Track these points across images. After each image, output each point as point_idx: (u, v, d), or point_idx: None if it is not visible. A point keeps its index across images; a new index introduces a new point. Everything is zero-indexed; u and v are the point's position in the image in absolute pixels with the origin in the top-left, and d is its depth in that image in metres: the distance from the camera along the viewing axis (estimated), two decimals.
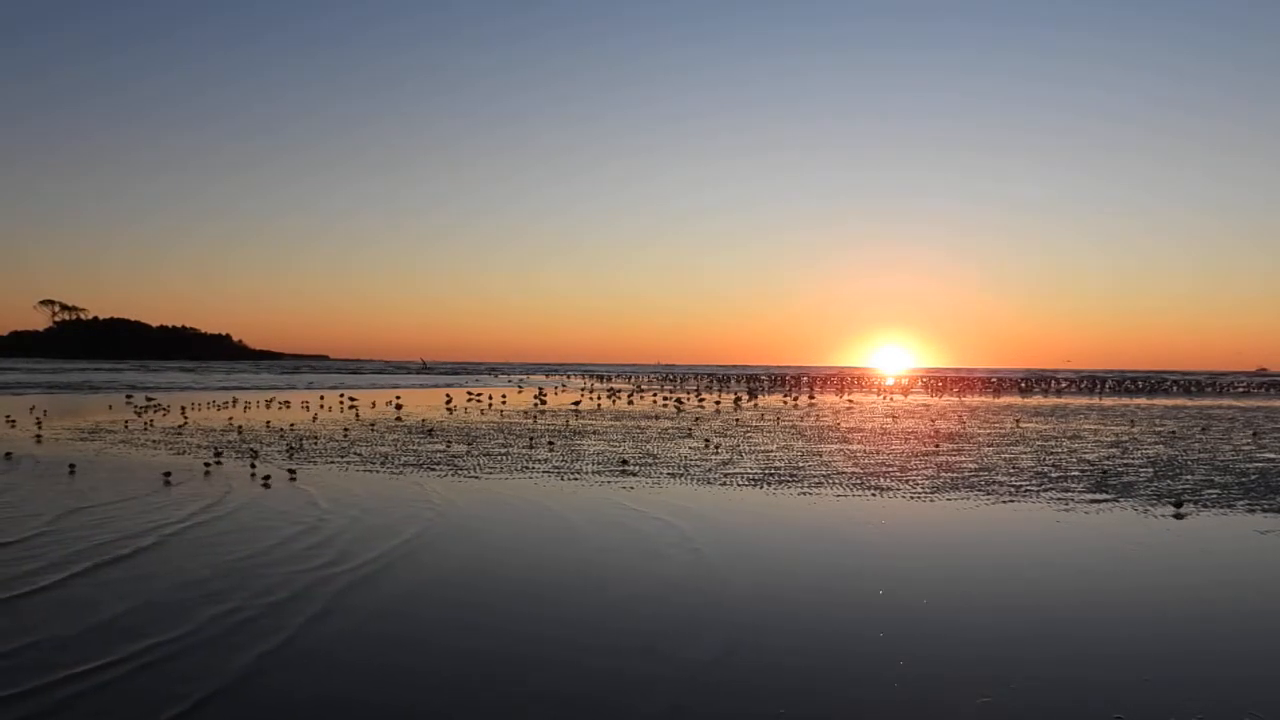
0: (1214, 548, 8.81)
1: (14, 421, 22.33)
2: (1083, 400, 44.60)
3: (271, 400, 34.47)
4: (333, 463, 14.59)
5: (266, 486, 11.91)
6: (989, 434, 21.69)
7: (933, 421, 26.28)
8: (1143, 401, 43.80)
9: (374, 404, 32.84)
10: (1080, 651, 5.48)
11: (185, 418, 24.62)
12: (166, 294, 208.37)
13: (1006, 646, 5.58)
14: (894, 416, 28.53)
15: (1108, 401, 43.28)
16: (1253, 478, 13.87)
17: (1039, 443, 19.40)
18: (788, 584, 7.12)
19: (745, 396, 41.97)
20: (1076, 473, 14.16)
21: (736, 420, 25.97)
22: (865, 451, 17.17)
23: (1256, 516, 10.44)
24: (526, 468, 14.18)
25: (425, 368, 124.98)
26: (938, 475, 13.65)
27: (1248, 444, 19.93)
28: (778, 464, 14.91)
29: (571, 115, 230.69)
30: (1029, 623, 6.11)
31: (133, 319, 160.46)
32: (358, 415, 26.46)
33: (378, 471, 13.57)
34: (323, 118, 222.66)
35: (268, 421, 23.51)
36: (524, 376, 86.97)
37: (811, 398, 41.05)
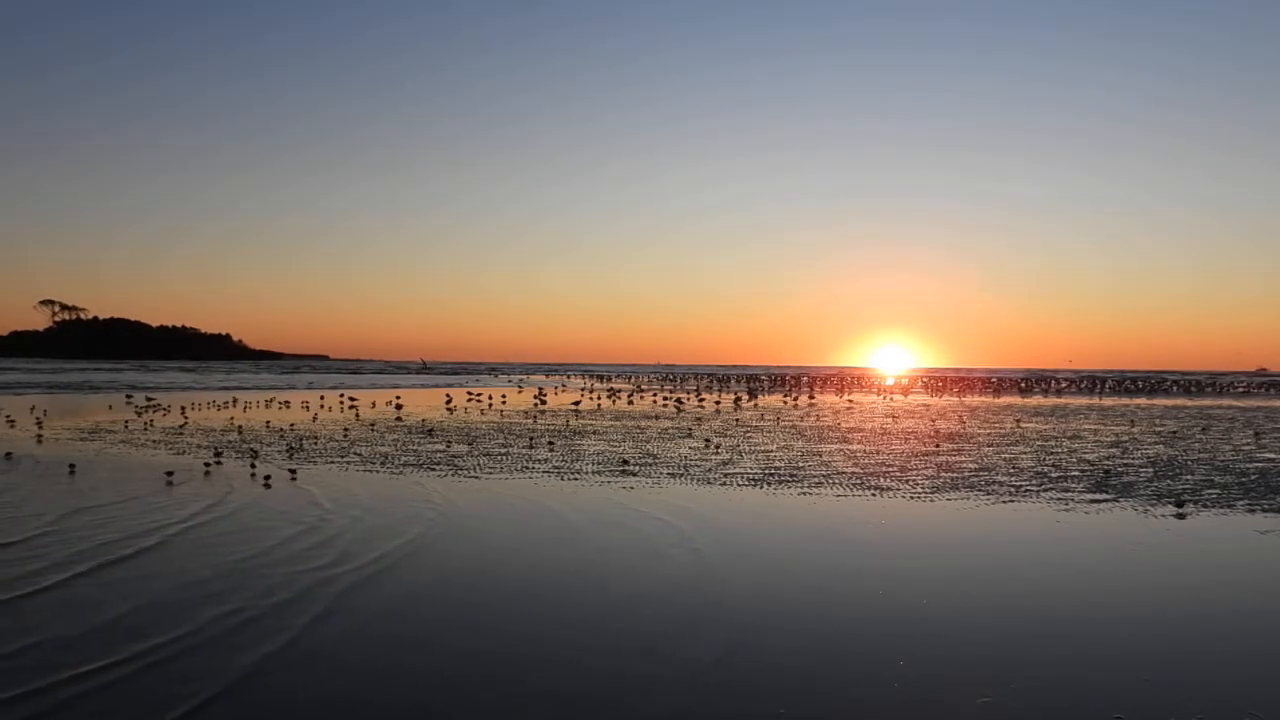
0: (1214, 548, 8.82)
1: (14, 421, 22.35)
2: (1083, 400, 44.62)
3: (271, 400, 34.49)
4: (333, 463, 14.61)
5: (267, 486, 11.93)
6: (989, 434, 21.71)
7: (933, 421, 26.30)
8: (1143, 401, 43.82)
9: (374, 404, 32.86)
10: (1080, 651, 5.50)
11: (185, 418, 24.63)
12: (166, 294, 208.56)
13: (1006, 646, 5.59)
14: (894, 416, 28.55)
15: (1108, 401, 43.29)
16: (1253, 478, 13.88)
17: (1039, 443, 19.42)
18: (788, 584, 7.14)
19: (745, 396, 41.99)
20: (1076, 473, 14.18)
21: (736, 420, 25.99)
22: (865, 451, 17.18)
23: (1257, 516, 10.46)
24: (527, 468, 14.20)
25: (425, 368, 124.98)
26: (938, 475, 13.66)
27: (1248, 444, 19.94)
28: (778, 464, 14.92)
29: (571, 115, 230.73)
30: (1029, 623, 6.13)
31: (133, 319, 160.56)
32: (358, 415, 26.47)
33: (378, 472, 13.58)
34: (323, 118, 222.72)
35: (268, 421, 23.53)
36: (524, 376, 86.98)
37: (811, 398, 41.07)
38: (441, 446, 17.30)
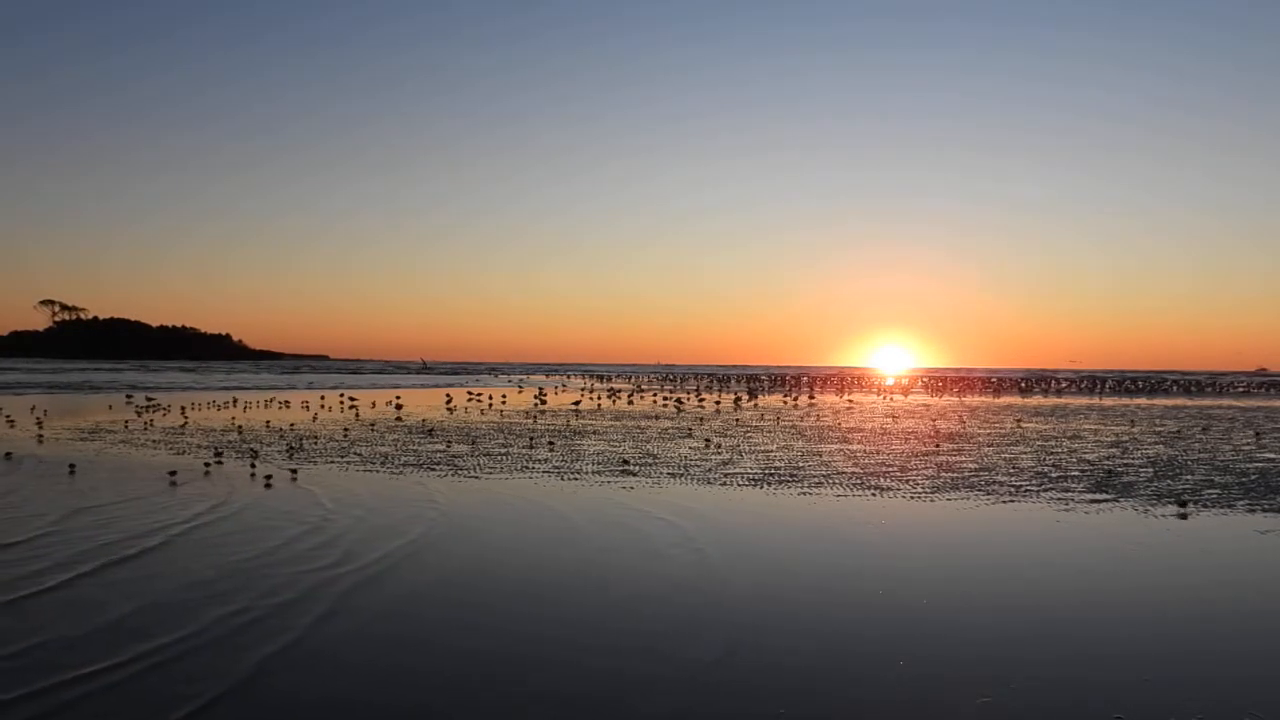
0: (1214, 548, 8.84)
1: (14, 421, 22.36)
2: (1083, 400, 44.64)
3: (271, 400, 34.50)
4: (333, 463, 14.63)
5: (268, 486, 11.95)
6: (989, 434, 21.72)
7: (933, 421, 26.31)
8: (1143, 401, 43.83)
9: (374, 404, 32.87)
10: (1080, 651, 5.51)
11: (185, 418, 24.65)
12: (166, 294, 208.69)
13: (1006, 646, 5.61)
14: (894, 416, 28.56)
15: (1108, 401, 43.31)
16: (1253, 478, 13.90)
17: (1039, 443, 19.43)
18: (788, 584, 7.15)
19: (745, 396, 42.00)
20: (1077, 473, 14.20)
21: (736, 420, 26.01)
22: (865, 451, 17.20)
23: (1257, 516, 10.47)
24: (527, 468, 14.22)
25: (425, 368, 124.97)
26: (938, 475, 13.68)
27: (1248, 444, 19.96)
28: (778, 464, 14.94)
29: (571, 115, 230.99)
30: (1029, 623, 6.15)
31: (133, 319, 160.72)
32: (358, 415, 26.49)
33: (378, 472, 13.60)
34: (323, 118, 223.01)
35: (268, 421, 23.54)
36: (524, 376, 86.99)
37: (811, 398, 41.08)
38: (442, 446, 17.31)
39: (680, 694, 4.79)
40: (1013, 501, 11.35)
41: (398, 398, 35.78)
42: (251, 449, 16.49)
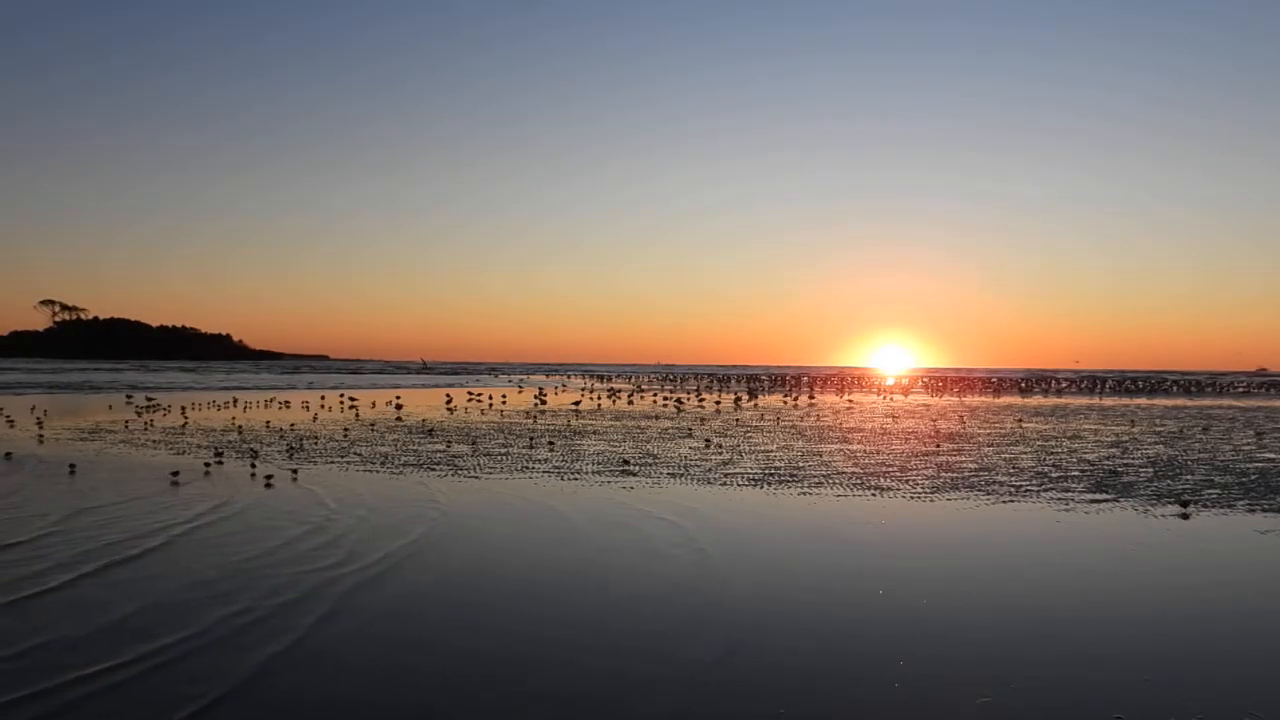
0: (1214, 548, 8.85)
1: (14, 422, 22.38)
2: (1083, 400, 44.65)
3: (271, 400, 34.52)
4: (333, 463, 14.64)
5: (269, 487, 11.96)
6: (989, 434, 21.74)
7: (933, 421, 26.32)
8: (1143, 401, 43.85)
9: (374, 404, 32.89)
10: (1080, 651, 5.53)
11: (185, 418, 24.66)
12: (166, 294, 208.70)
13: (1006, 646, 5.62)
14: (894, 416, 28.57)
15: (1108, 401, 43.32)
16: (1253, 478, 13.92)
17: (1039, 443, 19.45)
18: (788, 584, 7.17)
19: (745, 396, 42.02)
20: (1077, 473, 14.21)
21: (736, 420, 26.02)
22: (865, 451, 17.21)
23: (1257, 516, 10.49)
24: (527, 468, 14.23)
25: (425, 368, 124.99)
26: (938, 475, 13.70)
27: (1248, 444, 19.98)
28: (778, 464, 14.95)
29: (571, 115, 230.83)
30: (1029, 623, 6.16)
31: (133, 319, 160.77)
32: (358, 415, 26.50)
33: (379, 472, 13.62)
34: (323, 118, 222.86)
35: (268, 421, 23.55)
36: (524, 376, 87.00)
37: (811, 398, 41.10)
38: (442, 446, 17.33)
39: (680, 694, 4.81)
40: (1013, 501, 11.36)
41: (398, 398, 35.79)
42: (252, 449, 16.50)
